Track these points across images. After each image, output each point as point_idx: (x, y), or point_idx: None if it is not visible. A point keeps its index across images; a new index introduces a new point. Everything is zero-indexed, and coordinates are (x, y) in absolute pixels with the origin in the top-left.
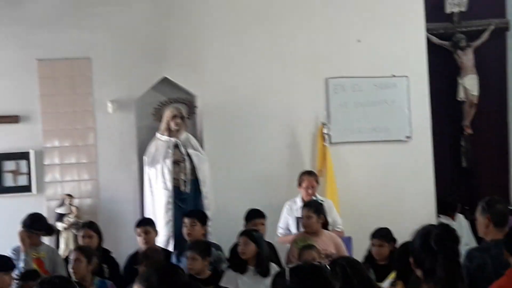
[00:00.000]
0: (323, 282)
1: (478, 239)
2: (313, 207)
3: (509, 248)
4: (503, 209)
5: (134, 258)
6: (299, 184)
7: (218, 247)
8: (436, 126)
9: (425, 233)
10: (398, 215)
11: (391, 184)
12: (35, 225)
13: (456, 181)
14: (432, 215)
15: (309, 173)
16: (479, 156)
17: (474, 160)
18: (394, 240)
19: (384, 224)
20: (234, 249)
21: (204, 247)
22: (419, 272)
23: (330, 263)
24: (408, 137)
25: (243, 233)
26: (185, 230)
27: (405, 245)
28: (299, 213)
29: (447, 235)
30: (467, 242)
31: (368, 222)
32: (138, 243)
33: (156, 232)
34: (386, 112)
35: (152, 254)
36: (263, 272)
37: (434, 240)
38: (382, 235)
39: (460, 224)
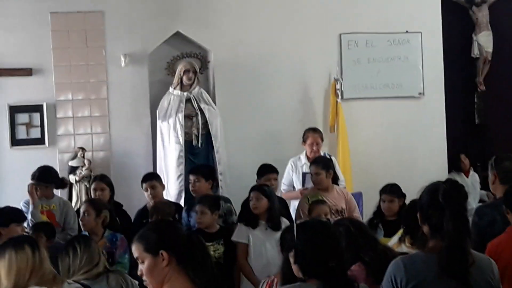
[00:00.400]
0: (330, 239)
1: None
2: (321, 163)
3: (509, 205)
4: (511, 166)
5: (143, 213)
6: (304, 141)
7: (227, 200)
8: (450, 82)
9: (433, 189)
10: (409, 171)
11: (403, 140)
12: (44, 178)
13: (469, 138)
14: (443, 171)
15: (314, 130)
16: (492, 113)
17: (487, 116)
18: (403, 195)
19: (395, 180)
20: (245, 204)
21: (213, 201)
22: (425, 229)
23: (333, 223)
24: (421, 93)
25: (255, 188)
26: (190, 187)
27: (414, 201)
28: (304, 170)
29: (455, 191)
30: (478, 198)
31: (379, 178)
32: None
33: (163, 186)
34: (399, 68)
35: (162, 207)
36: (274, 226)
37: (442, 196)
38: (392, 190)
39: (473, 180)
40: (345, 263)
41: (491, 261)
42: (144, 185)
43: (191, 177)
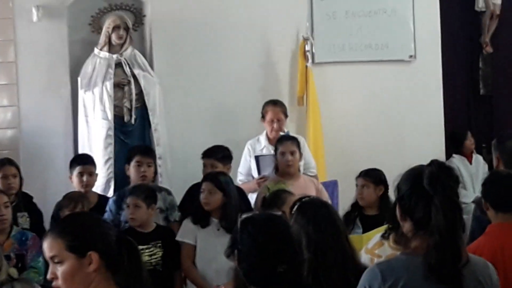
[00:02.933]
0: (280, 237)
1: None
2: (295, 140)
3: (488, 199)
4: None
5: None
6: (263, 117)
7: (169, 193)
8: (448, 43)
9: (415, 174)
10: (397, 155)
11: (390, 115)
12: None
13: (472, 112)
14: (441, 153)
15: (274, 102)
16: (501, 81)
17: (494, 86)
18: (383, 183)
19: (379, 166)
20: (191, 195)
21: (149, 192)
22: (407, 226)
23: (293, 204)
24: (412, 56)
25: (207, 178)
26: (140, 169)
27: None
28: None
29: (444, 174)
30: None
31: (358, 163)
32: (74, 185)
33: (96, 175)
34: (385, 24)
35: (79, 198)
36: (229, 227)
37: (428, 181)
38: (367, 174)
39: (477, 166)
40: (299, 267)
41: (488, 265)
42: (79, 168)
43: (143, 160)
